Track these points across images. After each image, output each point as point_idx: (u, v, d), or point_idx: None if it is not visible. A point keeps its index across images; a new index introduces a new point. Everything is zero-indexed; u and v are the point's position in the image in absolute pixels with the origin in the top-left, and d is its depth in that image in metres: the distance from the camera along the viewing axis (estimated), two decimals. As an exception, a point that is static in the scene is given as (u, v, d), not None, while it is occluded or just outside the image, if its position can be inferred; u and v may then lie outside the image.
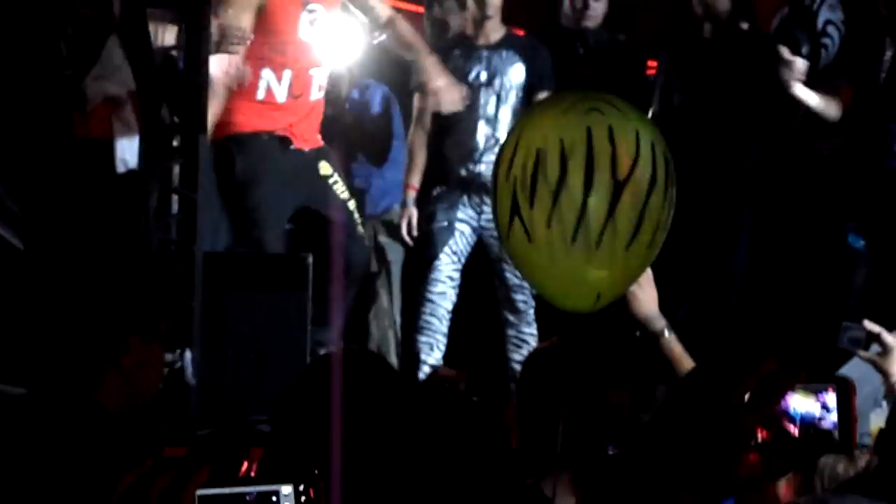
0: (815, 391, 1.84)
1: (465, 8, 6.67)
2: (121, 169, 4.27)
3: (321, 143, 5.86)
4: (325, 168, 5.78)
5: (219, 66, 5.23)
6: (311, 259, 5.31)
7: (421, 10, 7.53)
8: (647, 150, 3.40)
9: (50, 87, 4.17)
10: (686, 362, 3.52)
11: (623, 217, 3.41)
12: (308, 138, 5.78)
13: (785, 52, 5.79)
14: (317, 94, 5.82)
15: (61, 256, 4.10)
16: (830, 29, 6.04)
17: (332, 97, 6.54)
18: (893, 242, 5.83)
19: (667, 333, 3.52)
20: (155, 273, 4.43)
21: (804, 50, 5.97)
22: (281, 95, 5.69)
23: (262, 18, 5.49)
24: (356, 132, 7.00)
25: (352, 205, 5.88)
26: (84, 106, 4.26)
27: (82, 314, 3.55)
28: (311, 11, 5.69)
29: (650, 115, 6.20)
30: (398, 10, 8.45)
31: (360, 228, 5.93)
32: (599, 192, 3.39)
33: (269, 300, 5.10)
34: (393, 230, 6.96)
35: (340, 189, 5.80)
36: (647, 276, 3.56)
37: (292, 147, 5.69)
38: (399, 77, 7.20)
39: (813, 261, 6.06)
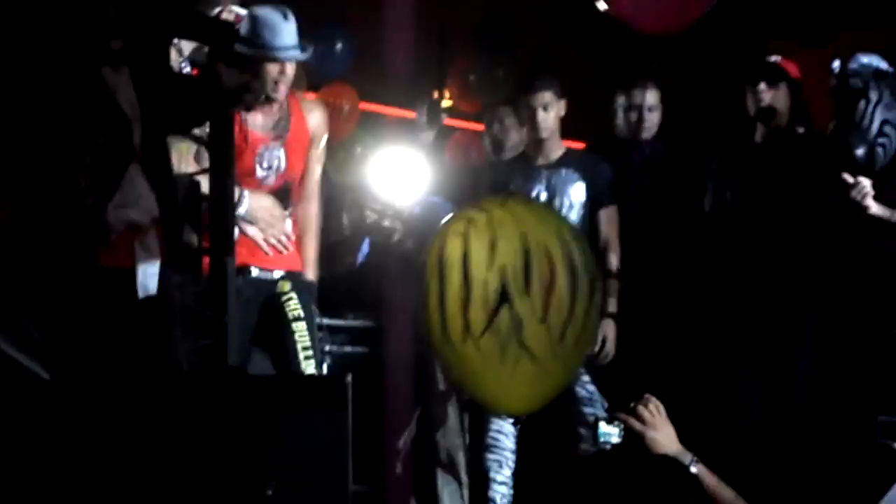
0: None
1: (524, 126, 6.66)
2: (141, 295, 4.27)
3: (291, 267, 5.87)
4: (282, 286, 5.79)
5: None
6: (350, 379, 5.23)
7: (480, 127, 7.57)
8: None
9: (71, 218, 4.19)
10: (723, 490, 3.49)
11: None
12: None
13: (847, 177, 5.71)
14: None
15: (87, 385, 4.11)
16: (887, 129, 5.92)
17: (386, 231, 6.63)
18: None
19: (694, 468, 3.50)
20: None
21: (860, 152, 5.84)
22: None
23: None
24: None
25: (299, 325, 5.80)
26: (107, 235, 4.27)
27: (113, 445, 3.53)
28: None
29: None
30: (455, 127, 8.54)
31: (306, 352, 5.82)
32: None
33: (305, 422, 5.02)
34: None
35: (291, 307, 5.76)
36: (662, 416, 3.54)
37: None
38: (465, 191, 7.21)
39: (880, 361, 5.89)
